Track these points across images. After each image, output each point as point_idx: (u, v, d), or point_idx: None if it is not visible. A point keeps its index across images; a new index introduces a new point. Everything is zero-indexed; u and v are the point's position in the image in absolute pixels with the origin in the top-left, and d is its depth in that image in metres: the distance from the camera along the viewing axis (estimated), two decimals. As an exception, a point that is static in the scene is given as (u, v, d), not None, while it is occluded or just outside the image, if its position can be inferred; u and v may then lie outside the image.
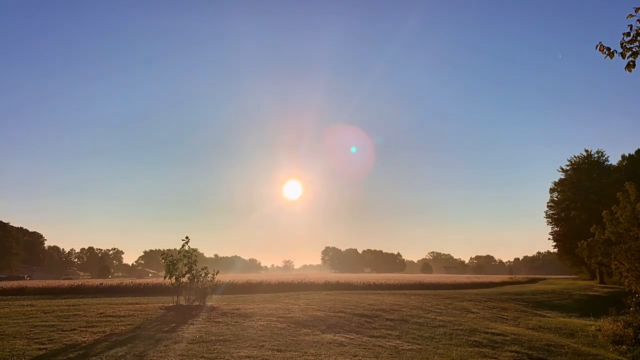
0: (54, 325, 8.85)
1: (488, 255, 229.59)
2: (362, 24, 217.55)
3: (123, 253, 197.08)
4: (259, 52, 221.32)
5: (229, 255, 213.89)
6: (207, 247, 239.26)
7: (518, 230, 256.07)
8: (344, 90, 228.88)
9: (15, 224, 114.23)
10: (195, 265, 12.74)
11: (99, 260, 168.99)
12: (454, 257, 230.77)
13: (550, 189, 58.33)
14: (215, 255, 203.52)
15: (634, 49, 5.26)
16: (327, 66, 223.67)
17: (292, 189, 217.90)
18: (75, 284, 29.63)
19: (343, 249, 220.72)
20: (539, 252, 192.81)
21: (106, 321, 9.44)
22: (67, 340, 7.27)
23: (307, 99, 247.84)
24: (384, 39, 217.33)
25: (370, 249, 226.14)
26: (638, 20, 5.18)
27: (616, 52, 5.40)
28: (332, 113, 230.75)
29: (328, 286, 27.37)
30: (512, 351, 9.12)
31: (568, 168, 55.86)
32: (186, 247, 12.65)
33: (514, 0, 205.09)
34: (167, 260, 12.72)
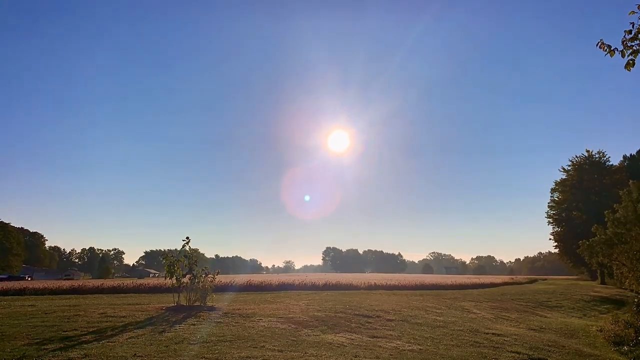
0: (55, 325, 8.87)
1: (489, 256, 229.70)
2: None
3: (124, 253, 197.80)
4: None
5: (230, 256, 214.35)
6: (208, 247, 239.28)
7: (519, 230, 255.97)
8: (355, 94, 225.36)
9: (16, 224, 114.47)
10: (196, 265, 12.78)
11: (100, 261, 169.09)
12: (455, 258, 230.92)
13: (552, 189, 58.33)
14: (216, 255, 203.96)
15: (634, 47, 5.25)
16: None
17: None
18: (76, 284, 29.61)
19: (344, 250, 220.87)
20: (540, 253, 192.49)
21: (107, 321, 9.46)
22: (67, 341, 7.28)
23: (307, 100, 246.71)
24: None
25: (371, 249, 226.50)
26: None
27: (617, 50, 5.39)
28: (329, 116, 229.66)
29: (329, 286, 27.37)
30: (513, 352, 9.09)
31: (569, 168, 55.81)
32: (187, 248, 12.69)
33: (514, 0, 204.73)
34: (168, 261, 12.77)
